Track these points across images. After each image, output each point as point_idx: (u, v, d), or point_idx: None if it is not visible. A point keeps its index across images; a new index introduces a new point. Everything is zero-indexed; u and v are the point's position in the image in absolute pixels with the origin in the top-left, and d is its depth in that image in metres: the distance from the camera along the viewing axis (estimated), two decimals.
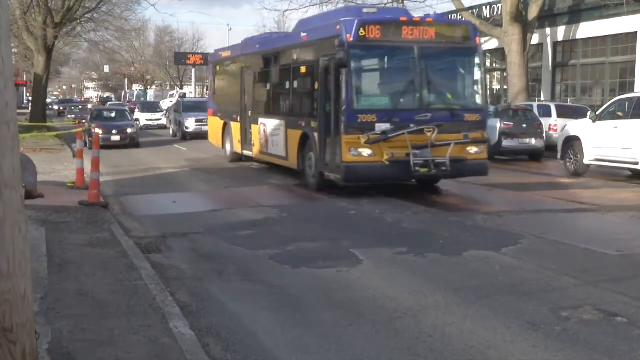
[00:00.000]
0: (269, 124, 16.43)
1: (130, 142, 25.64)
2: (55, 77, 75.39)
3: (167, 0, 70.85)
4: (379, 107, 12.55)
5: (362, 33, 12.33)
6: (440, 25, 13.24)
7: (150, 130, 38.14)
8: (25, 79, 66.47)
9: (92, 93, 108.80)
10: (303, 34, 14.81)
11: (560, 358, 4.98)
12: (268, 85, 17.16)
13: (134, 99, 67.20)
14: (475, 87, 13.54)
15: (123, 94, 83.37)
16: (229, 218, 10.99)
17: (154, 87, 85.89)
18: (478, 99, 13.33)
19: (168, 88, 78.62)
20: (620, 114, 15.34)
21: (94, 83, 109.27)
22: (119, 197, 13.20)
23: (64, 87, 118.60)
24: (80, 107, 56.25)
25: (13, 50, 20.75)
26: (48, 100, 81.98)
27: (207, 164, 19.98)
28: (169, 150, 25.36)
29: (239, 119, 18.81)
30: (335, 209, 11.81)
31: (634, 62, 25.60)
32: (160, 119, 40.73)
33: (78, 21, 34.97)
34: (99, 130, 21.89)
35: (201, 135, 28.43)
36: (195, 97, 47.95)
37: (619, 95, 19.08)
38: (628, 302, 6.23)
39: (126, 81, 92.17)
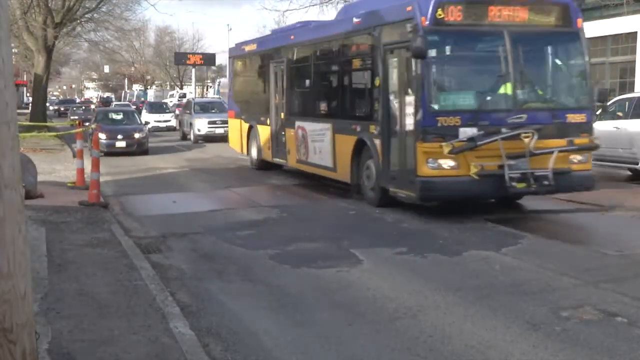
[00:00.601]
0: (309, 128, 14.06)
1: (138, 149, 22.48)
2: (55, 77, 75.33)
3: (167, 0, 70.77)
4: (463, 107, 10.19)
5: (439, 15, 10.04)
6: (535, 5, 10.68)
7: (159, 132, 35.80)
8: (25, 79, 66.25)
9: (92, 93, 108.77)
10: (356, 19, 12.29)
11: (560, 358, 4.98)
12: (308, 82, 14.75)
13: (134, 99, 67.16)
14: (579, 81, 11.21)
15: (123, 94, 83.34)
16: (229, 218, 10.98)
17: (154, 87, 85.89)
18: (583, 96, 10.95)
19: (168, 88, 78.61)
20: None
21: (94, 83, 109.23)
22: (119, 197, 13.20)
23: (64, 87, 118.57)
24: (83, 107, 52.03)
25: (13, 50, 20.74)
26: (53, 100, 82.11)
27: (207, 164, 19.99)
28: (169, 150, 25.34)
29: (268, 121, 16.40)
30: (335, 208, 11.81)
31: (634, 62, 25.62)
32: (169, 120, 38.17)
33: (78, 21, 34.95)
34: (102, 135, 20.43)
35: (214, 139, 27.26)
36: (207, 97, 44.56)
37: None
38: (628, 302, 6.23)
39: (126, 81, 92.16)
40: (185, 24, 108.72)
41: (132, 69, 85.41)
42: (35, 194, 11.43)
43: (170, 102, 57.44)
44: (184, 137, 30.58)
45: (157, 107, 40.97)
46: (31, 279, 3.82)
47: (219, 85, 52.79)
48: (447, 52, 10.89)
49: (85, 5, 33.83)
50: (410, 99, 10.35)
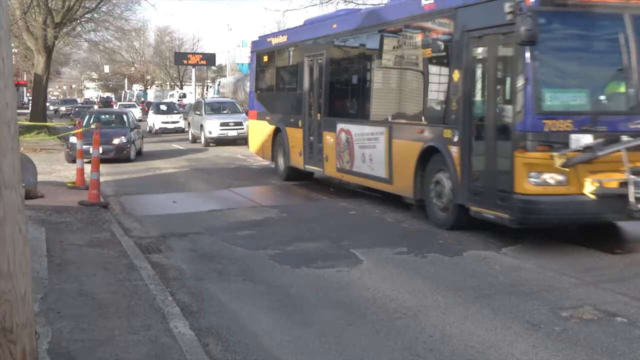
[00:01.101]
0: (356, 132, 12.02)
1: (116, 155, 20.04)
2: (55, 77, 75.24)
3: (167, 0, 70.82)
4: (575, 108, 8.18)
5: None
6: None
7: (167, 134, 34.07)
8: (25, 79, 66.05)
9: (92, 93, 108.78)
10: (427, 1, 10.14)
11: (560, 358, 4.98)
12: (355, 78, 12.64)
13: (134, 99, 67.05)
14: None
15: (123, 94, 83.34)
16: (229, 218, 10.99)
17: (154, 87, 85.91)
18: None
19: (168, 88, 78.64)
20: None
21: (94, 83, 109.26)
22: (119, 197, 13.21)
23: (64, 87, 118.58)
24: (89, 108, 47.33)
25: (13, 50, 20.73)
26: (54, 100, 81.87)
27: (206, 163, 19.99)
28: (168, 150, 25.34)
29: (300, 123, 14.24)
30: (335, 208, 11.81)
31: None
32: (177, 122, 35.55)
33: (78, 21, 34.95)
34: (73, 139, 16.55)
35: (226, 142, 26.01)
36: (218, 96, 40.33)
37: None
38: (628, 302, 6.23)
39: (126, 81, 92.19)
40: (185, 24, 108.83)
41: (132, 69, 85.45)
42: (35, 194, 11.44)
43: (172, 101, 57.41)
44: (194, 140, 28.48)
45: (165, 108, 38.14)
46: (31, 279, 3.82)
47: (219, 85, 52.68)
48: (556, 39, 8.58)
49: (85, 5, 33.82)
50: (506, 96, 8.56)
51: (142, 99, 68.18)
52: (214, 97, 38.57)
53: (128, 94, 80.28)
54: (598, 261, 7.78)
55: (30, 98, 42.53)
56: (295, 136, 14.63)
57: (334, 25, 13.38)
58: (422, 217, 10.46)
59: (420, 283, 6.98)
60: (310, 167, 14.19)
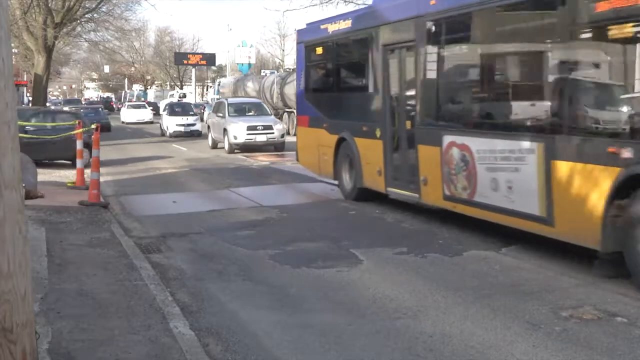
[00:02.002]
0: (480, 147, 8.64)
1: None
2: (55, 77, 75.20)
3: (167, 0, 70.80)
4: None
5: None
6: None
7: (182, 138, 31.37)
8: (25, 79, 65.94)
9: (92, 93, 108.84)
10: None
11: (560, 358, 4.98)
12: (473, 71, 9.57)
13: (134, 99, 66.97)
14: None
15: (123, 94, 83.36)
16: (229, 218, 10.98)
17: (154, 87, 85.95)
18: None
19: (168, 88, 78.67)
20: None
21: (94, 83, 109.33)
22: (119, 197, 13.21)
23: (64, 87, 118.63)
24: (92, 109, 43.47)
25: (13, 50, 20.73)
26: (54, 100, 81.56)
27: (207, 163, 19.99)
28: (168, 150, 25.34)
29: (378, 133, 11.05)
30: (335, 209, 11.81)
31: None
32: (194, 124, 32.74)
33: (78, 21, 34.96)
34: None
35: (254, 148, 23.28)
36: (242, 97, 35.85)
37: None
38: (628, 302, 6.23)
39: (126, 81, 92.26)
40: (185, 24, 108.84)
41: (132, 69, 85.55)
42: (35, 194, 11.44)
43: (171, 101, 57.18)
44: (214, 145, 25.48)
45: (180, 109, 35.01)
46: (31, 279, 3.82)
47: (219, 85, 52.65)
48: None
49: (85, 5, 33.84)
50: None
51: (142, 99, 68.15)
52: (237, 97, 34.21)
53: (128, 94, 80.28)
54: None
55: (30, 98, 42.50)
56: (370, 150, 11.37)
57: (433, 1, 9.78)
58: (423, 218, 10.45)
59: (420, 283, 6.98)
60: (396, 191, 10.87)
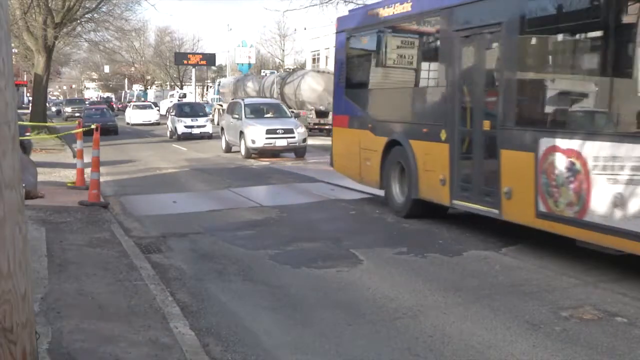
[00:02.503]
0: (596, 154, 6.99)
1: None
2: (55, 77, 75.21)
3: (167, 0, 70.80)
4: None
5: None
6: None
7: (192, 141, 29.68)
8: (25, 79, 65.84)
9: (92, 93, 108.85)
10: None
11: (560, 358, 4.98)
12: (586, 61, 7.79)
13: (134, 99, 66.90)
14: None
15: (123, 94, 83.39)
16: (229, 218, 10.98)
17: (154, 87, 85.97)
18: None
19: (168, 88, 78.69)
20: None
21: (94, 83, 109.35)
22: (119, 197, 13.21)
23: (64, 87, 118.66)
24: (97, 109, 39.21)
25: (13, 50, 20.71)
26: (55, 100, 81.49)
27: (207, 164, 19.99)
28: (168, 150, 25.34)
29: (444, 135, 9.44)
30: (335, 209, 11.81)
31: None
32: (204, 126, 31.05)
33: (78, 21, 34.98)
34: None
35: (274, 154, 21.74)
36: (259, 97, 33.65)
37: None
38: (628, 302, 6.23)
39: (126, 81, 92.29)
40: (185, 24, 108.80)
41: (132, 69, 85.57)
42: (36, 194, 11.44)
43: (171, 102, 57.06)
44: (228, 149, 23.90)
45: (190, 110, 32.89)
46: (31, 279, 3.82)
47: (219, 85, 52.65)
48: None
49: (85, 5, 33.86)
50: None
51: (142, 98, 68.12)
52: (254, 97, 32.06)
53: (128, 94, 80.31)
54: (598, 261, 7.77)
55: (30, 98, 42.49)
56: (431, 155, 9.82)
57: None
58: (423, 218, 10.44)
59: (420, 283, 6.98)
60: (465, 205, 9.20)
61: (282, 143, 21.27)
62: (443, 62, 9.68)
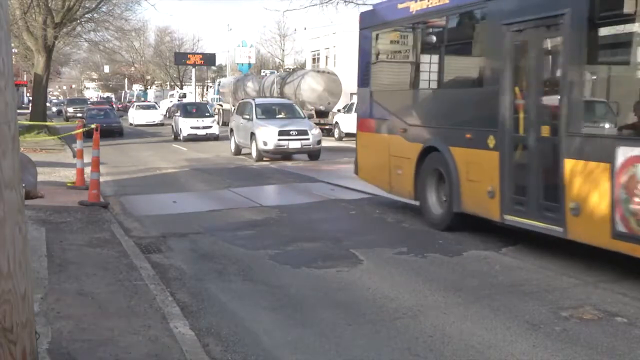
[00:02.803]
0: None
1: None
2: (55, 77, 75.14)
3: (167, 0, 70.74)
4: None
5: None
6: None
7: (198, 142, 28.47)
8: (25, 79, 65.73)
9: (92, 93, 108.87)
10: None
11: (560, 358, 4.98)
12: None
13: (134, 99, 66.83)
14: None
15: (123, 94, 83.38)
16: (229, 218, 10.98)
17: (154, 87, 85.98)
18: None
19: (168, 88, 78.69)
20: None
21: (94, 83, 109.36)
22: (119, 197, 13.21)
23: (64, 87, 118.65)
24: (107, 110, 37.19)
25: (13, 50, 20.73)
26: (54, 101, 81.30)
27: (207, 163, 19.99)
28: (168, 150, 25.33)
29: (491, 142, 8.44)
30: (335, 209, 11.81)
31: None
32: (210, 127, 29.86)
33: (78, 21, 34.96)
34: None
35: (287, 156, 20.81)
36: (269, 96, 32.44)
37: None
38: (628, 302, 6.23)
39: (126, 81, 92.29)
40: (185, 24, 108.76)
41: (132, 69, 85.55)
42: (36, 194, 11.43)
43: (171, 102, 57.02)
44: (238, 151, 22.82)
45: (195, 110, 31.73)
46: (31, 279, 3.82)
47: (219, 85, 52.62)
48: None
49: (85, 5, 33.84)
50: None
51: (142, 98, 68.09)
52: (264, 97, 30.74)
53: (128, 94, 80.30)
54: (598, 261, 7.77)
55: (30, 98, 42.48)
56: (476, 163, 8.83)
57: None
58: (423, 218, 10.44)
59: (420, 283, 6.98)
60: (520, 221, 8.13)
61: (295, 145, 20.28)
62: (490, 60, 8.69)
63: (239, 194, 13.66)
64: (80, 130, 14.13)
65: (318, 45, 53.55)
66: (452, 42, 9.92)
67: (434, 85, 10.30)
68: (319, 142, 20.84)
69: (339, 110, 32.94)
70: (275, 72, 47.63)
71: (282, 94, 33.58)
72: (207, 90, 79.12)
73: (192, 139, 29.11)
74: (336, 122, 30.87)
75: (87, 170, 13.04)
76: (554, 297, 6.40)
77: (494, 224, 8.87)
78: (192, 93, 60.84)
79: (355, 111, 12.79)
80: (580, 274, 7.21)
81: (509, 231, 8.75)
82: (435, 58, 10.23)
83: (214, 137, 29.51)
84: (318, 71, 35.89)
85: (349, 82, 41.32)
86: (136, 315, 5.60)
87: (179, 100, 55.62)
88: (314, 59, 54.55)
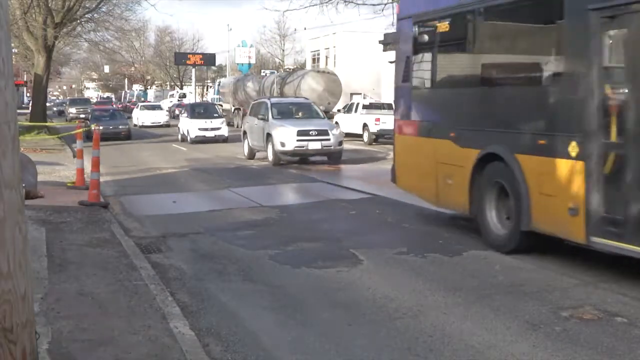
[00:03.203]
0: None
1: None
2: (55, 77, 75.12)
3: (167, 0, 70.71)
4: None
5: None
6: None
7: (207, 144, 26.99)
8: (25, 79, 65.64)
9: (92, 93, 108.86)
10: None
11: (560, 358, 4.98)
12: None
13: (134, 99, 66.77)
14: None
15: (123, 94, 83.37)
16: (229, 218, 10.98)
17: (154, 87, 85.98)
18: None
19: (168, 88, 78.70)
20: None
21: (94, 83, 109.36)
22: (119, 197, 13.21)
23: (64, 87, 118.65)
24: (114, 112, 34.71)
25: (13, 50, 20.73)
26: (56, 101, 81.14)
27: (207, 164, 19.99)
28: (169, 150, 25.33)
29: (575, 150, 7.11)
30: (335, 209, 11.81)
31: None
32: (219, 128, 28.46)
33: (78, 21, 34.99)
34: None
35: (305, 158, 19.76)
36: (284, 96, 30.54)
37: None
38: (628, 302, 6.23)
39: (126, 81, 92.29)
40: (185, 24, 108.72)
41: (132, 69, 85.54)
42: (36, 194, 11.42)
43: (170, 102, 56.99)
44: (252, 154, 21.43)
45: (203, 111, 30.30)
46: (31, 279, 3.82)
47: (219, 85, 52.61)
48: None
49: (85, 5, 33.86)
50: None
51: (142, 98, 68.08)
52: (280, 97, 28.89)
53: (128, 94, 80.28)
54: (598, 261, 7.77)
55: (30, 98, 42.47)
56: (552, 174, 7.46)
57: None
58: (423, 218, 10.45)
59: (420, 283, 6.98)
60: (612, 244, 6.80)
61: (315, 146, 18.85)
62: (571, 52, 7.30)
63: (239, 194, 13.66)
64: (80, 130, 14.13)
65: (318, 46, 53.59)
66: (522, 31, 8.50)
67: (496, 81, 8.68)
68: (340, 142, 19.61)
69: (339, 111, 32.96)
70: (275, 72, 47.64)
71: (282, 94, 33.57)
72: (207, 90, 79.12)
73: (200, 141, 27.58)
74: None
75: (87, 170, 13.04)
76: (554, 297, 6.40)
77: (574, 246, 7.60)
78: (192, 93, 60.85)
79: (393, 111, 11.47)
80: (580, 274, 7.21)
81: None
82: (498, 48, 8.85)
83: (223, 140, 28.03)
84: (318, 71, 35.92)
85: (349, 82, 41.41)
86: (136, 315, 5.60)
87: (178, 100, 55.55)
88: (314, 59, 54.59)
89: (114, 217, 10.69)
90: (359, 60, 46.12)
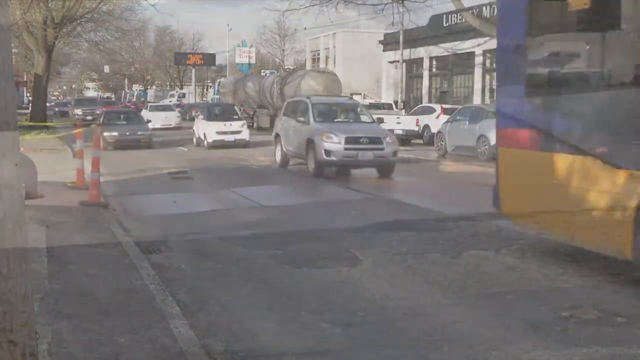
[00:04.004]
0: None
1: None
2: (55, 77, 75.06)
3: (167, 0, 70.71)
4: None
5: None
6: None
7: (225, 149, 24.04)
8: (25, 79, 65.57)
9: (92, 93, 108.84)
10: None
11: (560, 358, 4.97)
12: None
13: (134, 99, 66.72)
14: None
15: (123, 94, 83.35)
16: (229, 218, 10.98)
17: (154, 87, 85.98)
18: None
19: (168, 88, 78.70)
20: None
21: (94, 83, 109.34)
22: (119, 197, 13.20)
23: (64, 87, 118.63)
24: (131, 113, 30.66)
25: (13, 50, 20.73)
26: (58, 101, 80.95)
27: (207, 164, 19.98)
28: (169, 150, 25.31)
29: None
30: (335, 209, 11.80)
31: None
32: (239, 132, 25.19)
33: (78, 21, 34.98)
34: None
35: (355, 170, 16.69)
36: (327, 96, 24.56)
37: None
38: (628, 302, 6.23)
39: (126, 81, 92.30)
40: (185, 24, 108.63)
41: (132, 69, 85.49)
42: (35, 194, 11.42)
43: (170, 102, 56.92)
44: (285, 162, 18.53)
45: (221, 113, 27.08)
46: (31, 279, 3.82)
47: (219, 85, 52.59)
48: None
49: (85, 5, 33.84)
50: None
51: (142, 98, 68.06)
52: (321, 96, 23.77)
53: (128, 94, 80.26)
54: (598, 261, 7.77)
55: (30, 98, 42.46)
56: None
57: None
58: (423, 218, 10.45)
59: (420, 283, 6.98)
60: None
61: (366, 156, 15.72)
62: None
63: (239, 194, 13.66)
64: (80, 130, 14.13)
65: (318, 46, 53.60)
66: None
67: None
68: (395, 153, 16.21)
69: None
70: (275, 72, 47.65)
71: (282, 95, 33.58)
72: (207, 90, 79.14)
73: (219, 145, 24.43)
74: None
75: (88, 170, 13.04)
76: (554, 297, 6.40)
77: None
78: (192, 93, 60.87)
79: (495, 118, 9.09)
80: (580, 274, 7.21)
81: (509, 232, 8.75)
82: None
83: (244, 144, 24.97)
84: (318, 71, 35.92)
85: (349, 82, 41.45)
86: (136, 315, 5.60)
87: (178, 100, 55.47)
88: (313, 59, 54.61)
89: (114, 217, 10.69)
90: (359, 60, 46.13)
